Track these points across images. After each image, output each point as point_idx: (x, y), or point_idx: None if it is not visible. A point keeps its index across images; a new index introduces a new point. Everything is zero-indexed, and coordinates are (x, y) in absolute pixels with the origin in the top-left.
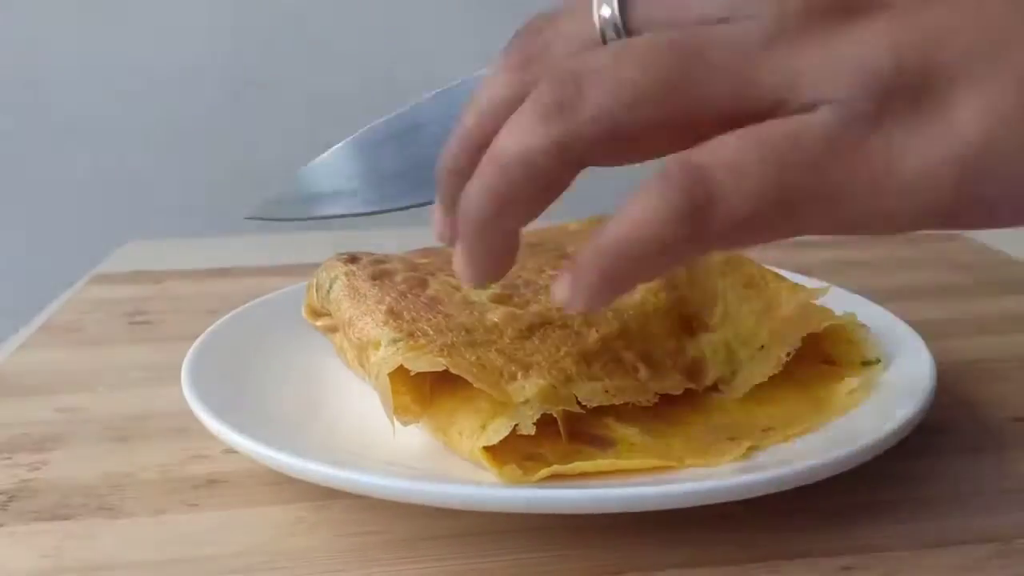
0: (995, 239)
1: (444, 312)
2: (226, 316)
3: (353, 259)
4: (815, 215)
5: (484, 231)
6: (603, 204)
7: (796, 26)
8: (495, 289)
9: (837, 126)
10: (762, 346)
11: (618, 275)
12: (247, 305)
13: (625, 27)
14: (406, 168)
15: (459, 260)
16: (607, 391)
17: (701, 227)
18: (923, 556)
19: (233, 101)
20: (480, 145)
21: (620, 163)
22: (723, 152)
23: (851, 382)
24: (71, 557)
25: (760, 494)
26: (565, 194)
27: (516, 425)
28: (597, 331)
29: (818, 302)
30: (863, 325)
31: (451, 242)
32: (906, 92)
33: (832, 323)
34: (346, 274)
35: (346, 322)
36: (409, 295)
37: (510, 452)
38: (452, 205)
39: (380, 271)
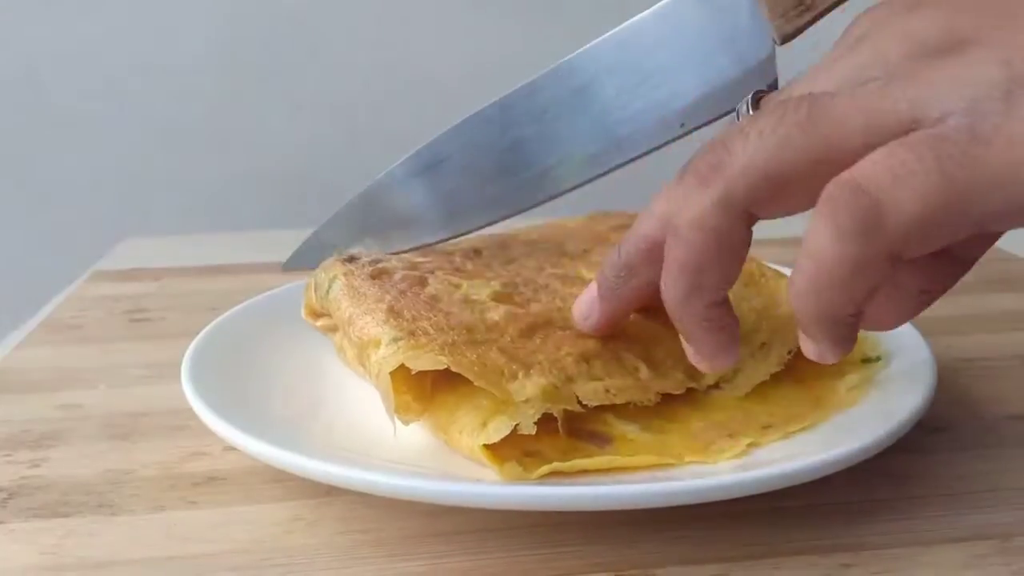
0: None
1: (444, 311)
2: (226, 313)
3: (351, 259)
4: (986, 201)
5: (691, 310)
6: (602, 202)
7: (903, 72)
8: (496, 287)
9: (974, 121)
10: (763, 344)
11: (832, 311)
12: (247, 302)
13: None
14: (436, 201)
15: (690, 352)
16: (608, 390)
17: (879, 238)
18: (922, 553)
19: (233, 98)
20: (652, 244)
21: (787, 211)
22: (877, 162)
23: (851, 379)
24: (71, 554)
25: (759, 491)
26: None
27: (517, 424)
28: None
29: None
30: None
31: (596, 327)
32: None
33: None
34: (345, 274)
35: (346, 321)
36: (409, 293)
37: (510, 449)
38: (609, 295)
39: (379, 270)
